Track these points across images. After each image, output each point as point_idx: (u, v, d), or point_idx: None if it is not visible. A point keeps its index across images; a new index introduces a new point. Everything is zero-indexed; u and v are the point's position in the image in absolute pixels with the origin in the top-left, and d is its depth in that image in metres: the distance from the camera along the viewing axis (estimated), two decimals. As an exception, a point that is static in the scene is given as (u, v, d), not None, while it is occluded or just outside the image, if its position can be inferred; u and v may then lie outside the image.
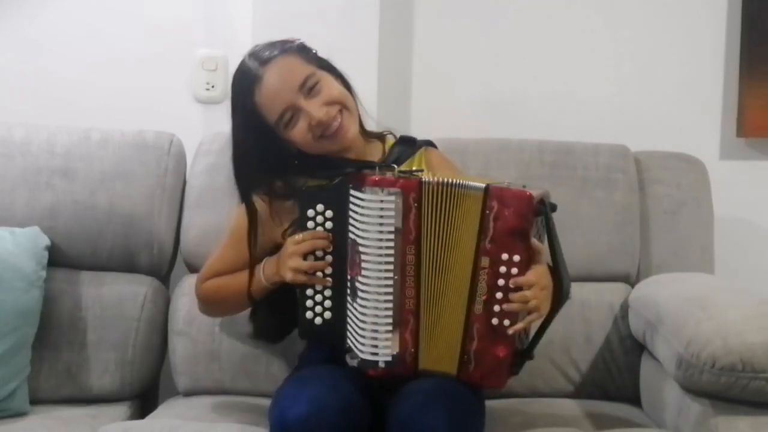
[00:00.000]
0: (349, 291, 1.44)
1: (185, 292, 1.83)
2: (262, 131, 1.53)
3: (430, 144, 1.70)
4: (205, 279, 1.62)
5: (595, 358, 1.79)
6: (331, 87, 1.53)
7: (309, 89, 1.51)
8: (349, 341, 1.45)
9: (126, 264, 1.86)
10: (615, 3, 2.12)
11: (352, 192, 1.43)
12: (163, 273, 1.90)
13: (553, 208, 1.44)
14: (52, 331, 1.77)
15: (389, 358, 1.41)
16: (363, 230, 1.40)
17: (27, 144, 1.86)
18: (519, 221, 1.36)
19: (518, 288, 1.37)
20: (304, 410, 1.33)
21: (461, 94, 2.12)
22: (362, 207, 1.40)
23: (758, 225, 2.13)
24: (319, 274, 1.46)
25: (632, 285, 1.85)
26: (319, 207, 1.45)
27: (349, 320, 1.45)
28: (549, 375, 1.78)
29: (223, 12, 2.11)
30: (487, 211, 1.37)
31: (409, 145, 1.65)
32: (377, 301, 1.40)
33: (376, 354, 1.41)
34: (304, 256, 1.45)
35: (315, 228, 1.45)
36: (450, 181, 1.40)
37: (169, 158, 1.89)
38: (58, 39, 2.10)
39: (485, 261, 1.38)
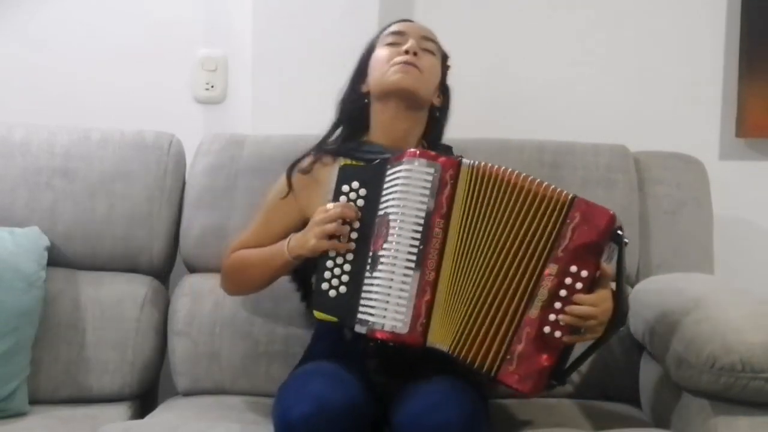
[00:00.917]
0: (369, 265, 1.44)
1: (185, 292, 1.83)
2: (367, 55, 1.66)
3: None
4: (233, 251, 1.65)
5: (594, 358, 1.78)
6: (433, 62, 1.64)
7: (424, 44, 1.63)
8: (360, 314, 1.43)
9: (126, 264, 1.86)
10: (615, 3, 2.12)
11: (389, 170, 1.45)
12: (162, 273, 1.90)
13: (625, 242, 1.45)
14: (52, 332, 1.77)
15: (399, 323, 1.40)
16: (396, 198, 1.42)
17: (27, 144, 1.86)
18: (597, 238, 1.37)
19: (579, 303, 1.37)
20: (307, 409, 1.33)
21: (461, 94, 2.10)
22: (400, 177, 1.42)
23: (758, 225, 2.13)
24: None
25: (632, 285, 1.85)
26: (355, 184, 1.47)
27: (364, 294, 1.44)
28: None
29: (223, 12, 2.11)
30: (568, 221, 1.38)
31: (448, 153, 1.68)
32: (397, 266, 1.40)
33: (385, 317, 1.40)
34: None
35: (347, 202, 1.47)
36: (532, 178, 1.41)
37: (168, 158, 1.89)
38: (58, 39, 2.10)
39: (553, 268, 1.38)
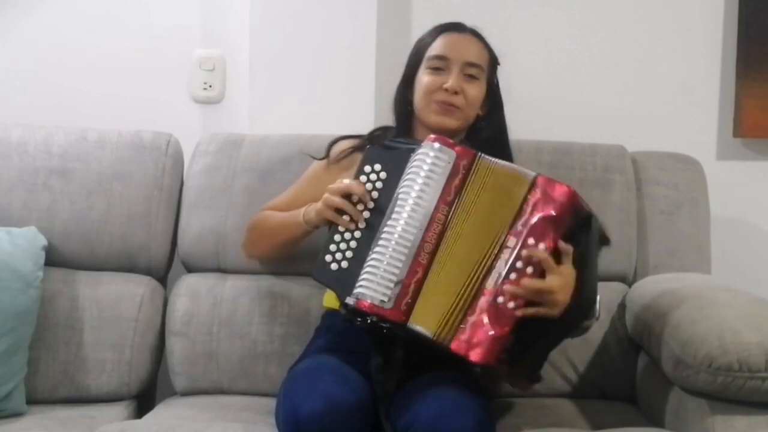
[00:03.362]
0: (373, 243, 1.45)
1: (183, 292, 1.83)
2: (414, 62, 1.68)
3: None
4: (264, 210, 1.71)
5: (592, 358, 1.79)
6: (476, 91, 1.66)
7: (468, 71, 1.64)
8: (356, 288, 1.44)
9: (123, 264, 1.86)
10: (612, 3, 2.12)
11: (412, 156, 1.47)
12: (160, 273, 1.90)
13: (605, 242, 1.47)
14: (50, 332, 1.77)
15: (385, 298, 1.40)
16: (408, 179, 1.44)
17: (24, 144, 1.86)
18: (555, 211, 1.39)
19: (532, 275, 1.37)
20: (318, 407, 1.34)
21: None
22: (415, 159, 1.45)
23: (755, 225, 2.14)
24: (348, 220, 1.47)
25: (629, 285, 1.85)
26: (377, 166, 1.49)
27: (363, 270, 1.45)
28: (546, 375, 1.78)
29: (220, 12, 2.11)
30: (529, 196, 1.41)
31: None
32: (394, 243, 1.42)
33: (374, 290, 1.41)
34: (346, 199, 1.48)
35: (366, 183, 1.49)
36: (506, 163, 1.46)
37: (166, 158, 1.89)
38: (56, 39, 2.10)
39: (512, 241, 1.40)
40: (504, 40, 2.11)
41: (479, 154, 1.46)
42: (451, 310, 1.40)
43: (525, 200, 1.41)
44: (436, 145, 1.46)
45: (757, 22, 2.06)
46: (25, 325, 1.70)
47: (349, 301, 1.43)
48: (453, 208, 1.43)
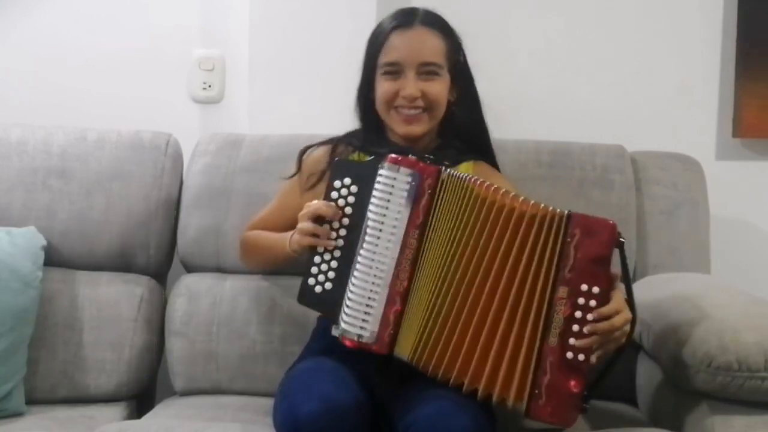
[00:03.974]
0: (353, 265, 1.44)
1: (182, 292, 1.83)
2: (370, 65, 1.62)
3: (491, 160, 1.69)
4: (249, 229, 1.71)
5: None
6: (438, 89, 1.59)
7: (424, 72, 1.57)
8: (342, 313, 1.44)
9: (123, 264, 1.86)
10: (611, 3, 2.12)
11: (379, 171, 1.44)
12: (159, 273, 1.90)
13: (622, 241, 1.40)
14: (49, 332, 1.77)
15: (366, 333, 1.39)
16: (375, 204, 1.41)
17: (23, 144, 1.86)
18: (602, 251, 1.31)
19: (598, 321, 1.32)
20: (315, 407, 1.33)
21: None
22: (379, 182, 1.42)
23: (754, 225, 2.13)
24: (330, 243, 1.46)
25: (628, 285, 1.85)
26: (347, 180, 1.47)
27: (346, 293, 1.44)
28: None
29: (220, 11, 2.12)
30: (569, 239, 1.32)
31: (459, 152, 1.65)
32: (369, 274, 1.40)
33: (354, 326, 1.40)
34: (317, 222, 1.46)
35: (338, 199, 1.47)
36: (531, 200, 1.36)
37: (166, 158, 1.89)
38: (55, 38, 2.10)
39: (563, 291, 1.31)
40: (504, 40, 2.13)
41: (441, 169, 1.40)
42: (507, 372, 1.34)
43: (564, 243, 1.32)
44: (396, 168, 1.40)
45: (756, 23, 2.06)
46: (25, 325, 1.70)
47: (335, 333, 1.43)
48: (424, 231, 1.39)
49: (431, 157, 1.47)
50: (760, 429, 1.42)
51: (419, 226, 1.39)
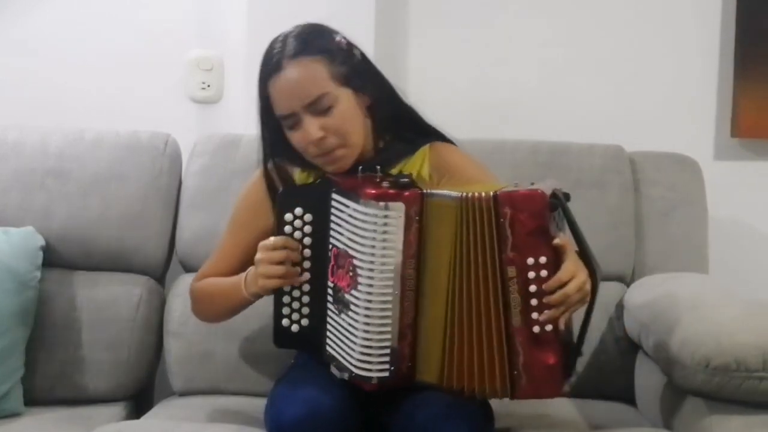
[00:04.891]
0: (332, 300, 1.40)
1: (180, 292, 1.83)
2: (273, 121, 1.49)
3: (441, 138, 1.58)
4: (200, 278, 1.60)
5: (590, 358, 1.79)
6: (339, 117, 1.44)
7: (317, 109, 1.43)
8: (333, 353, 1.40)
9: (121, 264, 1.86)
10: (609, 3, 2.12)
11: (336, 197, 1.39)
12: (158, 273, 1.90)
13: (567, 197, 1.37)
14: (47, 332, 1.76)
15: (385, 374, 1.34)
16: (359, 243, 1.33)
17: (20, 145, 1.86)
18: (536, 222, 1.30)
19: (552, 290, 1.30)
20: (299, 412, 1.33)
21: (456, 94, 2.12)
22: (358, 219, 1.33)
23: (752, 225, 2.14)
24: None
25: (627, 285, 1.85)
26: (298, 211, 1.41)
27: (334, 331, 1.40)
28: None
29: (218, 11, 2.11)
30: (501, 219, 1.30)
31: (410, 140, 1.56)
32: (373, 317, 1.33)
33: (370, 371, 1.34)
34: (279, 262, 1.40)
35: (293, 233, 1.41)
36: (450, 193, 1.33)
37: (164, 159, 1.88)
38: (52, 39, 2.10)
39: (512, 271, 1.30)
40: (502, 41, 2.13)
41: (424, 192, 1.33)
42: (489, 364, 1.33)
43: (498, 224, 1.30)
44: (375, 203, 1.31)
45: (754, 23, 2.06)
46: (22, 326, 1.70)
47: (343, 377, 1.38)
48: (419, 259, 1.33)
49: (408, 174, 1.42)
50: (758, 429, 1.42)
51: (414, 255, 1.33)
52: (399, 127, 1.55)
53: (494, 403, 1.67)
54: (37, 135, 1.87)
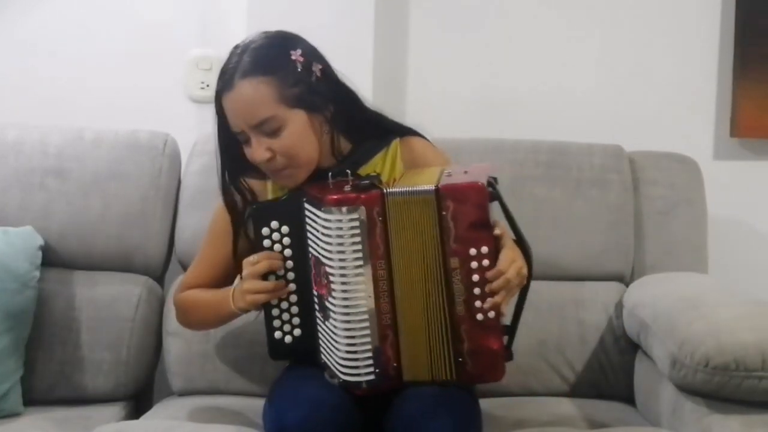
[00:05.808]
0: (318, 308, 1.41)
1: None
2: (229, 134, 1.49)
3: (410, 132, 1.58)
4: (184, 289, 1.60)
5: (589, 357, 1.80)
6: (287, 140, 1.42)
7: (264, 130, 1.42)
8: (325, 359, 1.42)
9: (120, 264, 1.86)
10: (608, 3, 2.12)
11: (307, 206, 1.39)
12: (157, 273, 1.89)
13: (496, 180, 1.40)
14: (46, 332, 1.76)
15: (372, 377, 1.37)
16: (327, 250, 1.35)
17: (20, 144, 1.86)
18: (477, 213, 1.33)
19: (493, 279, 1.33)
20: (303, 412, 1.33)
21: (456, 94, 2.12)
22: (324, 227, 1.35)
23: (751, 225, 2.14)
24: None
25: (626, 285, 1.85)
26: (274, 224, 1.42)
27: (321, 339, 1.42)
28: (544, 374, 1.79)
29: (218, 11, 2.11)
30: (444, 212, 1.33)
31: (379, 138, 1.55)
32: (352, 321, 1.35)
33: (357, 375, 1.37)
34: (263, 277, 1.42)
35: (272, 246, 1.42)
36: (408, 189, 1.35)
37: (163, 158, 1.88)
38: (52, 39, 2.10)
39: (455, 262, 1.34)
40: (501, 39, 2.13)
41: (384, 192, 1.35)
42: (437, 353, 1.36)
43: (441, 217, 1.33)
44: (337, 209, 1.33)
45: (753, 23, 2.06)
46: (22, 326, 1.70)
47: (333, 383, 1.40)
48: (388, 259, 1.35)
49: (376, 175, 1.42)
50: (758, 428, 1.42)
51: (382, 255, 1.35)
52: (365, 131, 1.55)
53: (493, 401, 1.68)
54: (36, 134, 1.87)
